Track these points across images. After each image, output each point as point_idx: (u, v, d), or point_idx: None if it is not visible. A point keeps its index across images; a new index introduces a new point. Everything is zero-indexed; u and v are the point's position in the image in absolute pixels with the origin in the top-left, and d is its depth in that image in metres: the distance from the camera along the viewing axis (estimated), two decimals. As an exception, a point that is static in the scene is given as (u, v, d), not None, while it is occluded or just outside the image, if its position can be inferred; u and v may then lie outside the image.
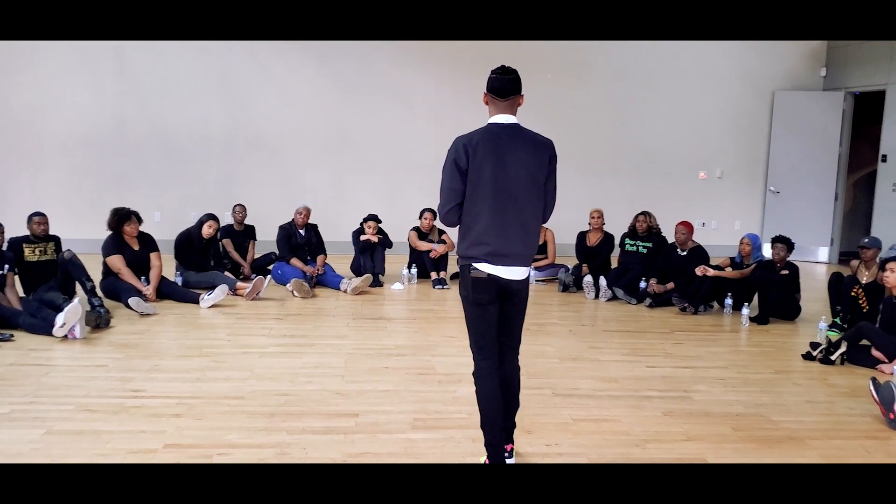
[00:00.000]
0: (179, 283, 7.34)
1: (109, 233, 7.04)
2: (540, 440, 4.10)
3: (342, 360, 5.47)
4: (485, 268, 3.39)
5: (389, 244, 8.39)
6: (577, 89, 10.40)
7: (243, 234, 8.34)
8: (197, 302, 6.90)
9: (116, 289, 6.80)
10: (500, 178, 3.34)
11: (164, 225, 8.89)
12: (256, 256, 8.42)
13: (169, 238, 7.77)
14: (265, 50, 9.72)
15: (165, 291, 7.04)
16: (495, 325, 3.52)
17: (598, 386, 5.08)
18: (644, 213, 8.31)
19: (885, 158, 9.88)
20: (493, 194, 3.34)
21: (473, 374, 3.58)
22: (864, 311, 6.67)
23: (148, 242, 7.15)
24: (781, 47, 10.85)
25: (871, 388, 4.62)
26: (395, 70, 10.02)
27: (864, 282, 6.77)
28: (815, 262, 10.81)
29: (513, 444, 3.72)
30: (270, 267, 8.25)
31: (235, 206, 8.34)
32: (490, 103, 3.50)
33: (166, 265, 7.35)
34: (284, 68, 9.81)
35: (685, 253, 7.82)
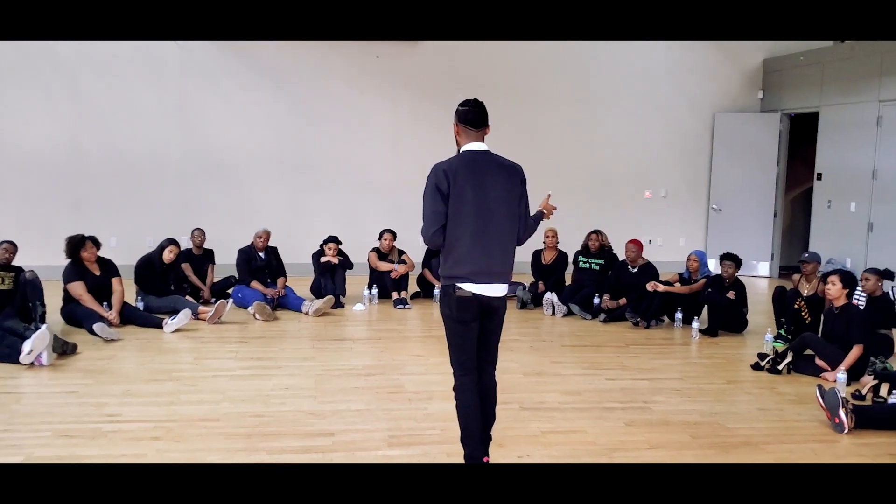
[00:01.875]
0: (141, 308, 7.32)
1: (69, 260, 7.00)
2: (512, 452, 4.27)
3: (312, 381, 5.57)
4: (469, 287, 3.57)
5: (350, 265, 8.51)
6: (531, 114, 10.68)
7: (202, 258, 8.35)
8: (160, 327, 6.90)
9: (78, 315, 6.78)
10: (479, 200, 3.55)
11: (120, 250, 8.80)
12: (216, 280, 8.43)
13: (125, 263, 7.72)
14: (221, 74, 9.77)
15: (128, 317, 7.03)
16: (476, 341, 3.69)
17: (562, 399, 5.29)
18: (596, 232, 8.62)
19: (820, 177, 10.39)
20: (474, 216, 3.54)
21: (454, 388, 3.74)
22: (807, 322, 7.05)
23: (109, 268, 7.13)
24: (720, 71, 11.33)
25: (818, 394, 4.91)
26: (351, 93, 10.16)
27: (805, 294, 7.16)
28: (757, 276, 11.25)
29: (488, 456, 3.88)
30: (230, 290, 8.27)
31: (194, 230, 8.36)
32: (462, 134, 3.71)
33: (126, 290, 7.32)
34: (240, 92, 9.86)
35: (636, 270, 8.12)
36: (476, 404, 3.71)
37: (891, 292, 7.41)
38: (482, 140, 3.72)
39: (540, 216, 4.03)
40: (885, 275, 6.76)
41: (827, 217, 10.27)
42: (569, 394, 5.43)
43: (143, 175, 9.69)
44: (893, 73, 9.05)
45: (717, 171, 11.44)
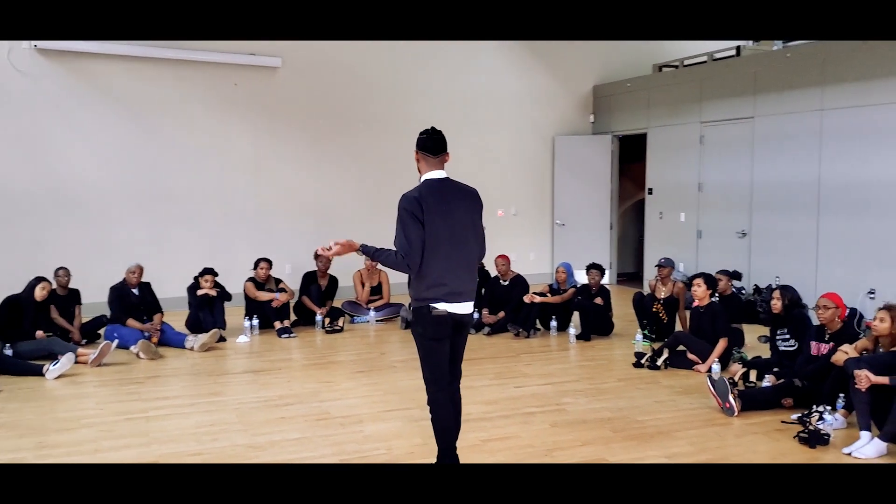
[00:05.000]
0: (10, 356, 6.78)
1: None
2: (465, 461, 4.48)
3: (233, 415, 5.50)
4: (443, 306, 3.80)
5: (228, 297, 8.34)
6: (389, 138, 10.95)
7: (68, 299, 7.82)
8: (40, 374, 6.45)
9: (-57, 369, 6.19)
10: (448, 226, 3.80)
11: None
12: (85, 320, 7.95)
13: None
14: (70, 101, 9.20)
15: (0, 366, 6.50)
16: (448, 358, 3.92)
17: (484, 409, 5.60)
18: (468, 251, 9.04)
19: (651, 191, 11.49)
20: (444, 241, 3.78)
21: (429, 404, 3.96)
22: (665, 322, 7.87)
23: (-28, 315, 6.58)
24: (557, 97, 12.22)
25: (709, 383, 5.57)
26: (209, 120, 9.93)
27: (662, 297, 7.96)
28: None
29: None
30: (101, 331, 7.84)
31: (58, 269, 7.82)
32: (422, 161, 3.95)
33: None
34: (94, 122, 9.33)
35: (507, 283, 8.64)
36: (452, 417, 3.95)
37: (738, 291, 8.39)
38: (442, 167, 3.97)
39: None
40: (734, 275, 7.72)
41: (659, 227, 11.37)
42: (488, 403, 5.75)
43: (-16, 214, 8.92)
44: (712, 97, 10.25)
45: (558, 189, 12.31)
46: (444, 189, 3.90)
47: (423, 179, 3.94)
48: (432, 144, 3.93)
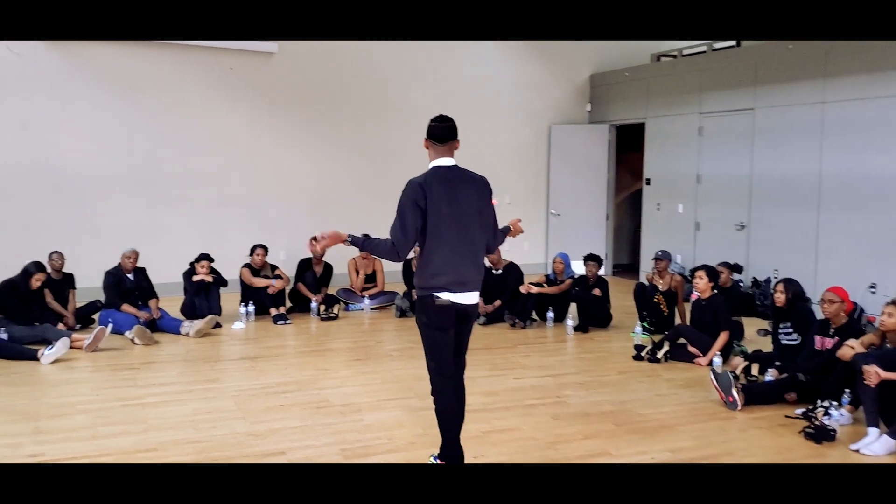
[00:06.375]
0: (5, 339, 6.67)
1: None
2: (467, 453, 4.42)
3: (231, 402, 5.43)
4: (447, 296, 3.73)
5: (224, 283, 8.26)
6: (386, 123, 10.86)
7: (62, 283, 7.71)
8: (35, 358, 6.36)
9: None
10: (454, 214, 3.73)
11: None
12: (79, 305, 7.84)
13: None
14: (67, 84, 9.05)
15: (-5, 350, 6.41)
16: (452, 348, 3.86)
17: (484, 400, 5.55)
18: (464, 239, 8.97)
19: (649, 181, 11.44)
20: (449, 229, 3.72)
21: (433, 394, 3.90)
22: (665, 314, 7.83)
23: (-35, 298, 6.47)
24: (553, 85, 12.14)
25: (712, 376, 5.53)
26: (207, 105, 9.80)
27: (661, 289, 7.93)
28: (594, 274, 12.14)
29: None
30: (96, 316, 7.75)
31: (52, 253, 7.71)
32: (431, 148, 3.89)
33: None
34: (89, 105, 9.19)
35: (500, 272, 8.58)
36: (456, 406, 3.89)
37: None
38: (450, 154, 3.91)
39: (507, 231, 4.28)
40: (735, 268, 7.68)
41: (657, 218, 11.32)
42: (487, 395, 5.69)
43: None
44: (712, 88, 10.20)
45: (554, 178, 12.24)
46: (450, 176, 3.83)
47: (430, 166, 3.88)
48: (439, 132, 3.87)
